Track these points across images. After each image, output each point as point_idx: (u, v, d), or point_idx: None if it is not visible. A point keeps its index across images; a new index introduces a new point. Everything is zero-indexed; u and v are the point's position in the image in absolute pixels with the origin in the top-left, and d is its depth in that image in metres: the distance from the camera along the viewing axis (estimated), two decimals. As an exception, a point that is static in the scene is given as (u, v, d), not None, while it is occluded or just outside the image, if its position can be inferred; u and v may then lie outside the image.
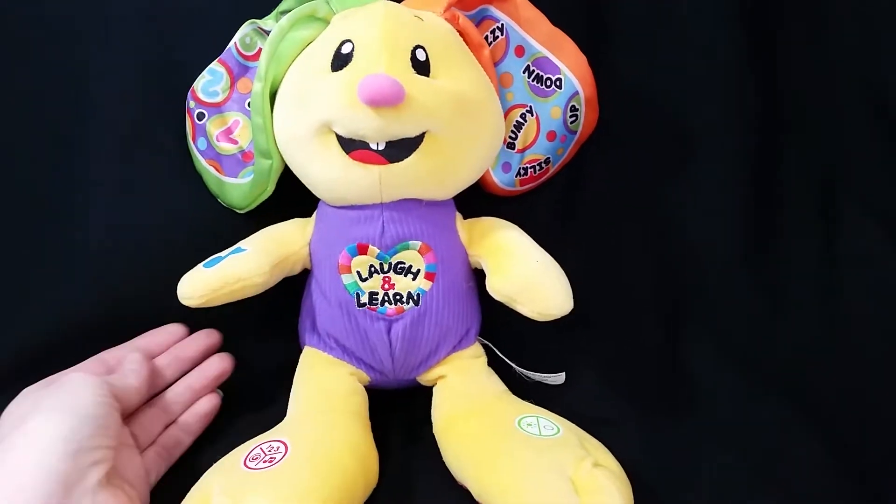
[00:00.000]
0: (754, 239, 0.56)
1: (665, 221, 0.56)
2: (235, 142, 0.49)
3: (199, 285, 0.42)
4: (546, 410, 0.43)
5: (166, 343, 0.47)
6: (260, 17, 0.48)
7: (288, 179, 0.46)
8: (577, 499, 0.35)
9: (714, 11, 0.54)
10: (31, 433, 0.35)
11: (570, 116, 0.50)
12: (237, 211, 0.50)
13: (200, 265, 0.43)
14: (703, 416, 0.48)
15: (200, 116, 0.50)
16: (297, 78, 0.44)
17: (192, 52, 0.50)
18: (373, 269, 0.44)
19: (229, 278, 0.42)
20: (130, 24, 0.50)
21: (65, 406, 0.36)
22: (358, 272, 0.44)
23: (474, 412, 0.44)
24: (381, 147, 0.40)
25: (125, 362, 0.44)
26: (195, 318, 0.45)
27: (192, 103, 0.50)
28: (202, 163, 0.50)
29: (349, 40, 0.41)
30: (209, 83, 0.49)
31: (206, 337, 0.48)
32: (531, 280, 0.43)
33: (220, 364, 0.47)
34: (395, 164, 0.41)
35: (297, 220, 0.48)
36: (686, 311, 0.55)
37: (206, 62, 0.49)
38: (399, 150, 0.41)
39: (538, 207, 0.53)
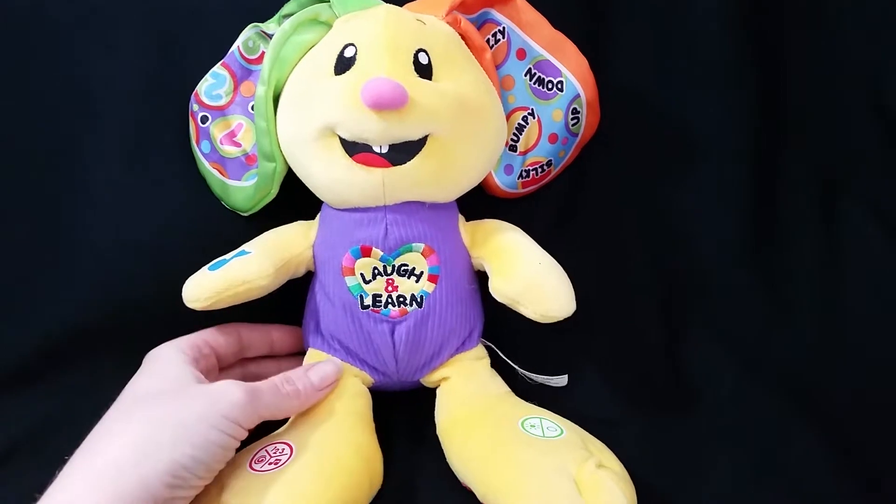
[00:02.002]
0: (755, 239, 0.56)
1: (666, 223, 0.56)
2: (239, 145, 0.49)
3: (204, 288, 0.42)
4: (549, 412, 0.43)
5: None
6: (262, 21, 0.48)
7: (291, 182, 0.47)
8: (581, 499, 0.35)
9: (715, 12, 0.54)
10: (139, 444, 0.34)
11: (572, 119, 0.51)
12: (241, 214, 0.50)
13: (205, 268, 0.43)
14: (706, 417, 0.49)
15: (204, 119, 0.50)
16: (300, 81, 0.44)
17: (195, 56, 0.50)
18: (376, 271, 0.44)
19: (234, 281, 0.42)
20: (134, 27, 0.50)
21: (193, 438, 0.34)
22: (361, 274, 0.44)
23: (478, 413, 0.44)
24: (385, 150, 0.41)
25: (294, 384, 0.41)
26: (199, 321, 0.45)
27: (195, 106, 0.50)
28: (206, 166, 0.50)
29: (352, 44, 0.42)
30: (212, 86, 0.49)
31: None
32: (534, 282, 0.43)
33: None
34: (399, 166, 0.41)
35: (300, 222, 0.48)
36: (688, 312, 0.55)
37: (210, 66, 0.49)
38: (402, 153, 0.41)
39: (540, 209, 0.53)
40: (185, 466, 0.34)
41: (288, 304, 0.49)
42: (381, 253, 0.44)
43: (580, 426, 0.42)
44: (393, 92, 0.38)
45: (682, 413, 0.49)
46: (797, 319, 0.55)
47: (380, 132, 0.40)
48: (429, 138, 0.41)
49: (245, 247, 0.45)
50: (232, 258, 0.44)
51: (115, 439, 0.35)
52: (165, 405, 0.36)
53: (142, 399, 0.38)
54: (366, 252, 0.44)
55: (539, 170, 0.51)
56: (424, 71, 0.41)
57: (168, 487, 0.33)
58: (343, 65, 0.42)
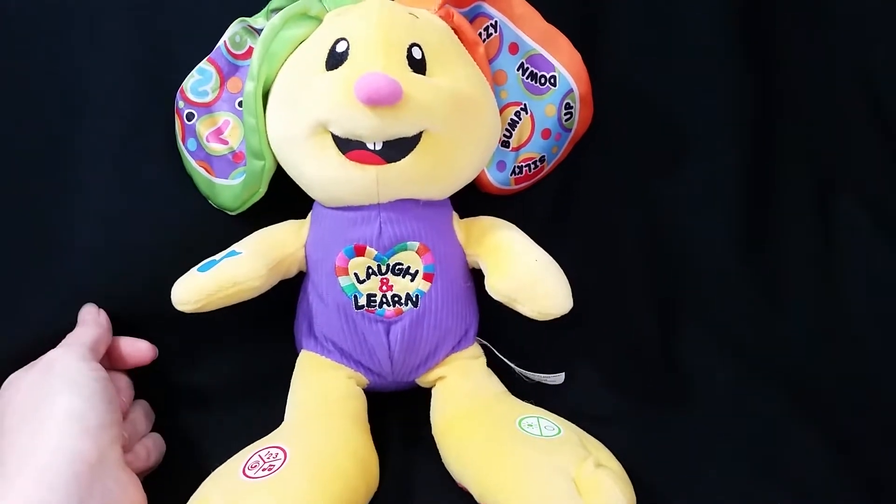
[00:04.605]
0: (750, 234, 0.56)
1: (661, 218, 0.56)
2: (226, 142, 0.49)
3: (194, 290, 0.41)
4: (546, 411, 0.43)
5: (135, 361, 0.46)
6: (250, 16, 0.47)
7: (280, 180, 0.46)
8: (580, 499, 0.35)
9: (710, 7, 0.53)
10: (41, 415, 0.35)
11: (565, 114, 0.50)
12: (228, 213, 0.49)
13: (194, 269, 0.42)
14: (703, 414, 0.49)
15: (190, 117, 0.49)
16: (290, 77, 0.43)
17: (181, 52, 0.48)
18: (370, 270, 0.43)
19: (225, 282, 0.42)
20: (120, 22, 0.49)
21: (66, 385, 0.36)
22: (355, 274, 0.43)
23: (474, 413, 0.43)
24: (378, 147, 0.40)
25: (81, 313, 0.45)
26: (188, 322, 0.44)
27: (181, 103, 0.49)
28: (192, 164, 0.49)
29: (344, 38, 0.41)
30: (198, 83, 0.48)
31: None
32: (531, 279, 0.42)
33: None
34: (393, 164, 0.40)
35: (291, 221, 0.47)
36: (683, 308, 0.56)
37: (196, 61, 0.48)
38: (396, 149, 0.40)
39: (533, 206, 0.53)
40: (82, 407, 0.36)
41: (279, 304, 0.48)
42: (376, 252, 0.43)
43: (577, 424, 0.42)
44: (388, 87, 0.37)
45: (679, 410, 0.49)
46: (793, 316, 0.56)
47: (374, 129, 0.39)
48: (423, 135, 0.40)
49: (235, 247, 0.44)
50: (222, 259, 0.43)
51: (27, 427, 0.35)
52: (42, 382, 0.38)
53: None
54: (360, 251, 0.43)
55: (532, 166, 0.51)
56: (418, 66, 0.41)
57: (85, 435, 0.34)
58: (335, 60, 0.41)
